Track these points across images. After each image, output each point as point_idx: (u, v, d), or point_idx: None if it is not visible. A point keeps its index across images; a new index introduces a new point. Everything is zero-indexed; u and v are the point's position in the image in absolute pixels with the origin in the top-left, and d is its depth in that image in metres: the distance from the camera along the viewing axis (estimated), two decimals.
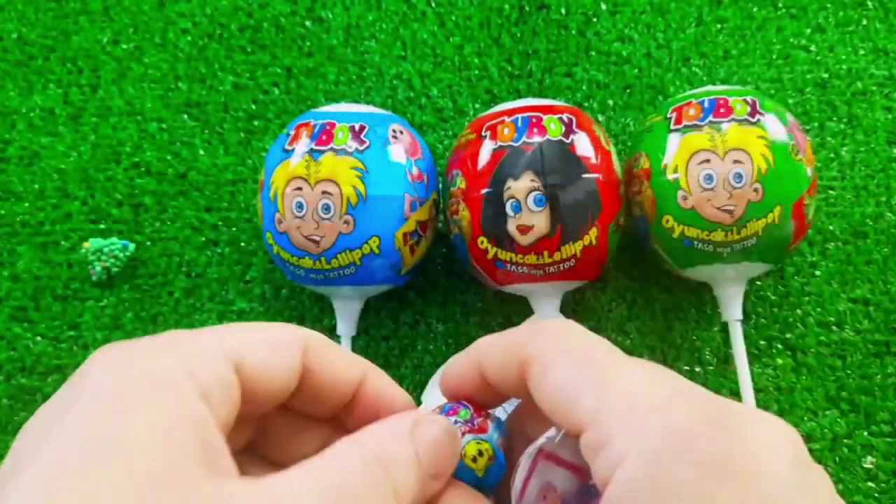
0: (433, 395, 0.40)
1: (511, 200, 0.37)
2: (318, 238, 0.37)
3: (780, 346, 0.44)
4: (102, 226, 0.47)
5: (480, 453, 0.25)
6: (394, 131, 0.39)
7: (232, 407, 0.18)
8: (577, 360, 0.20)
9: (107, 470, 0.15)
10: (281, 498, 0.17)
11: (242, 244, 0.46)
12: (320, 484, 0.18)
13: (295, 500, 0.17)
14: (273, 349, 0.20)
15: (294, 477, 0.18)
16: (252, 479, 0.17)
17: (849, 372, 0.43)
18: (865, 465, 0.41)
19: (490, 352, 0.22)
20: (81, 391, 0.16)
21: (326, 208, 0.36)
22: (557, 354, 0.20)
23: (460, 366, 0.23)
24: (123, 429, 0.16)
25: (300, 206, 0.36)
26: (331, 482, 0.18)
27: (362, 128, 0.38)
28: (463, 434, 0.23)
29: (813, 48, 0.49)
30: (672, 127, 0.38)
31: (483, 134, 0.38)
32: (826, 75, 0.49)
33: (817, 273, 0.45)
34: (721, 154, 0.36)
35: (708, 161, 0.37)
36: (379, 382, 0.23)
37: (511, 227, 0.37)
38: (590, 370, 0.20)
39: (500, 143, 0.37)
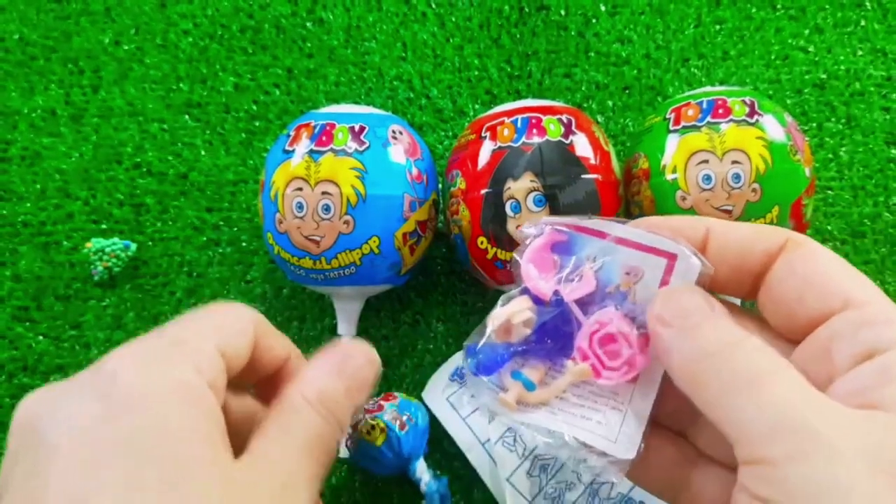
0: (434, 394, 0.41)
1: (511, 201, 0.37)
2: (318, 238, 0.37)
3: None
4: (104, 226, 0.47)
5: (373, 427, 0.34)
6: (393, 132, 0.39)
7: (223, 388, 0.22)
8: (842, 259, 0.21)
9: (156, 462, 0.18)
10: (271, 468, 0.20)
11: (243, 244, 0.47)
12: (292, 442, 0.22)
13: (280, 466, 0.20)
14: (240, 330, 0.24)
15: (268, 444, 0.21)
16: (242, 458, 0.21)
17: None
18: None
19: (728, 226, 0.22)
20: (117, 395, 0.19)
21: (326, 208, 0.36)
22: (825, 249, 0.21)
23: (686, 220, 0.23)
24: (163, 427, 0.19)
25: (300, 206, 0.37)
26: (300, 437, 0.22)
27: (362, 128, 0.38)
28: (362, 416, 0.28)
29: (811, 49, 0.49)
30: (671, 127, 0.38)
31: (483, 134, 0.38)
32: (824, 76, 0.49)
33: None
34: (719, 154, 0.37)
35: (706, 161, 0.37)
36: (298, 362, 0.27)
37: (511, 227, 0.37)
38: (856, 269, 0.20)
39: (499, 144, 0.38)
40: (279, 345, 0.26)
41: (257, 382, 0.27)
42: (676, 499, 0.23)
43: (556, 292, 0.23)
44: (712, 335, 0.20)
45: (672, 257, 0.22)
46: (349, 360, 0.25)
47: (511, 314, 0.23)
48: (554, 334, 0.23)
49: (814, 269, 0.20)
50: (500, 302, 0.24)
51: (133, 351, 0.20)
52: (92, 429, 0.18)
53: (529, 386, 0.22)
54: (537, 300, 0.23)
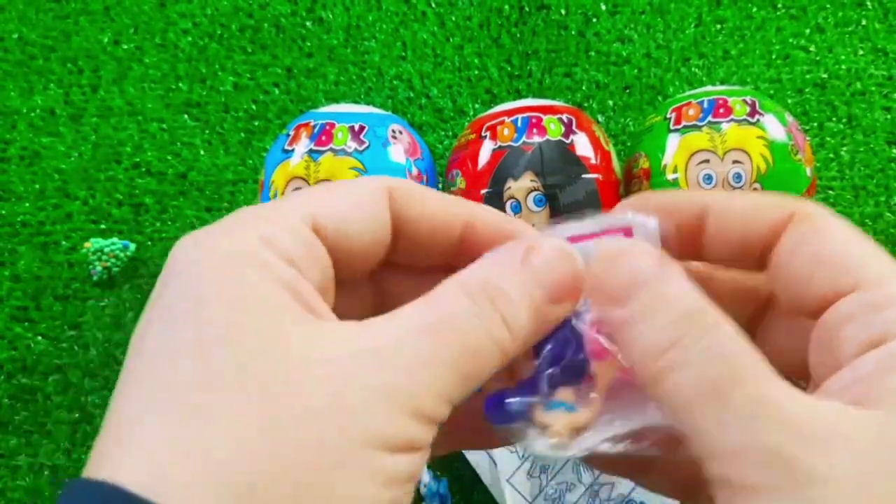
0: None
1: (511, 200, 0.37)
2: None
3: None
4: (103, 226, 0.47)
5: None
6: (393, 132, 0.39)
7: (320, 267, 0.18)
8: (856, 232, 0.18)
9: (195, 335, 0.15)
10: (377, 336, 0.16)
11: None
12: (418, 322, 0.16)
13: (389, 339, 0.16)
14: (353, 202, 0.19)
15: (393, 317, 0.17)
16: (351, 322, 0.16)
17: None
18: None
19: (728, 200, 0.20)
20: (168, 280, 0.16)
21: None
22: (836, 218, 0.19)
23: (680, 195, 0.21)
24: (208, 299, 0.15)
25: None
26: (429, 319, 0.16)
27: (362, 128, 0.38)
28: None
29: (812, 48, 0.49)
30: (672, 127, 0.38)
31: (483, 134, 0.38)
32: (825, 75, 0.49)
33: None
34: (720, 154, 0.37)
35: (707, 161, 0.37)
36: (489, 219, 0.20)
37: None
38: (871, 244, 0.18)
39: (500, 144, 0.37)
40: (438, 208, 0.20)
41: (456, 257, 0.21)
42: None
43: None
44: (675, 318, 0.17)
45: (627, 230, 0.21)
46: (533, 252, 0.18)
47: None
48: (558, 358, 0.21)
49: (823, 245, 0.18)
50: None
51: (198, 231, 0.17)
52: (145, 310, 0.16)
53: (571, 408, 0.20)
54: None
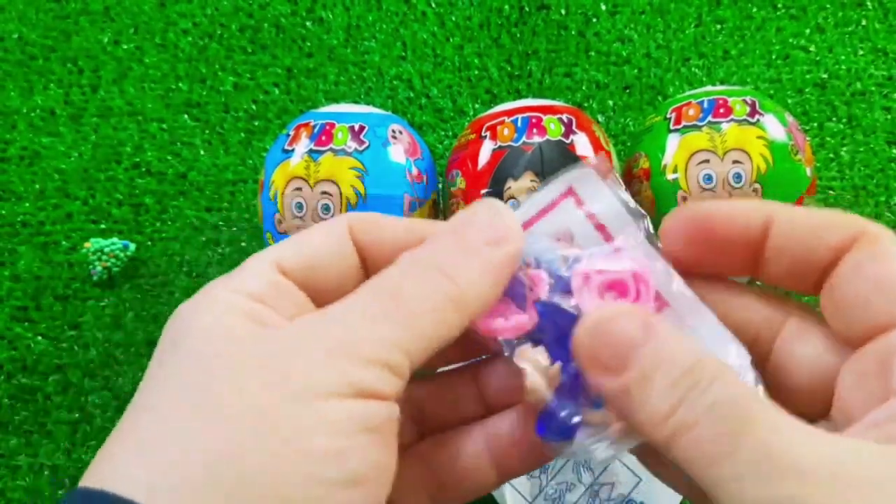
0: None
1: (511, 200, 0.37)
2: None
3: None
4: (103, 226, 0.47)
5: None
6: (393, 132, 0.39)
7: (291, 300, 0.19)
8: None
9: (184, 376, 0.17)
10: (320, 312, 0.18)
11: (243, 244, 0.46)
12: (355, 293, 0.18)
13: (328, 309, 0.18)
14: (314, 241, 0.20)
15: (344, 297, 0.18)
16: (306, 316, 0.18)
17: None
18: None
19: (793, 214, 0.19)
20: (162, 336, 0.19)
21: (326, 208, 0.36)
22: None
23: (744, 206, 0.20)
24: (189, 339, 0.18)
25: (300, 206, 0.37)
26: (363, 288, 0.18)
27: (362, 128, 0.38)
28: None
29: (812, 48, 0.49)
30: (671, 127, 0.38)
31: (483, 134, 0.38)
32: (825, 75, 0.49)
33: None
34: (720, 154, 0.36)
35: (707, 161, 0.37)
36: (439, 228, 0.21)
37: None
38: None
39: (500, 144, 0.37)
40: (397, 231, 0.21)
41: None
42: None
43: (540, 304, 0.20)
44: (674, 379, 0.16)
45: (570, 192, 0.20)
46: (469, 215, 0.19)
47: (541, 373, 0.19)
48: (565, 344, 0.20)
49: (887, 269, 0.17)
50: (524, 371, 0.19)
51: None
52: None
53: (598, 404, 0.19)
54: (533, 339, 0.20)
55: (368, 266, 0.21)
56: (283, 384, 0.16)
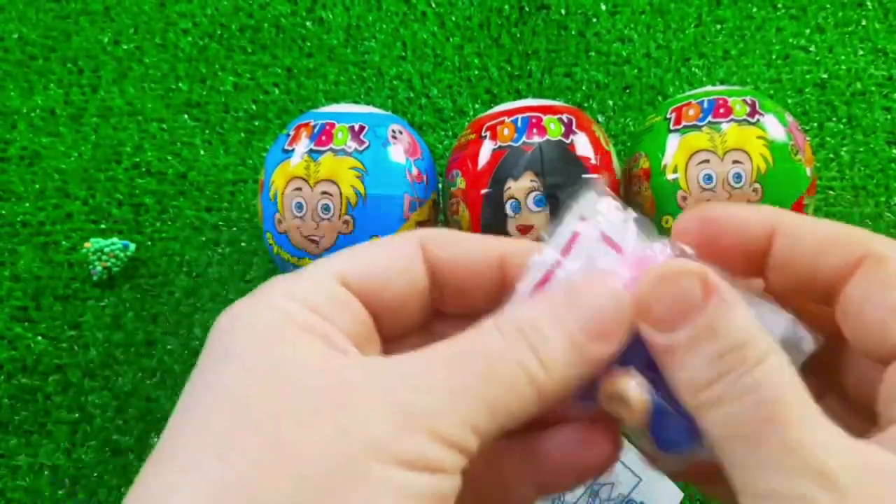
0: None
1: (511, 200, 0.37)
2: (317, 238, 0.37)
3: None
4: (103, 225, 0.47)
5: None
6: (393, 132, 0.39)
7: (352, 317, 0.18)
8: None
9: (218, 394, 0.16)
10: (399, 362, 0.16)
11: (243, 244, 0.46)
12: (444, 352, 0.16)
13: (411, 365, 0.16)
14: (382, 256, 0.19)
15: (422, 350, 0.17)
16: (379, 357, 0.17)
17: None
18: None
19: (798, 228, 0.18)
20: (208, 343, 0.17)
21: (326, 208, 0.36)
22: None
23: (752, 212, 0.19)
24: (235, 350, 0.16)
25: (300, 206, 0.37)
26: (456, 349, 0.16)
27: (362, 128, 0.38)
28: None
29: (812, 48, 0.49)
30: (671, 127, 0.38)
31: (483, 134, 0.38)
32: (825, 75, 0.49)
33: None
34: (720, 154, 0.36)
35: (707, 161, 0.37)
36: (518, 251, 0.20)
37: (511, 227, 0.37)
38: None
39: (499, 144, 0.37)
40: (473, 250, 0.19)
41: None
42: None
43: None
44: (720, 351, 0.16)
45: (574, 238, 0.19)
46: (576, 294, 0.18)
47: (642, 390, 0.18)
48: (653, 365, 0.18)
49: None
50: (629, 386, 0.18)
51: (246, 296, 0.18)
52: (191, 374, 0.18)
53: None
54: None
55: (441, 286, 0.20)
56: (352, 439, 0.15)
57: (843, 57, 0.49)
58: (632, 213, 0.20)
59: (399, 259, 0.19)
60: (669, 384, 0.17)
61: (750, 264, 0.19)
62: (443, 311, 0.21)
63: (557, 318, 0.17)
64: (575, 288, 0.18)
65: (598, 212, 0.19)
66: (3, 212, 0.47)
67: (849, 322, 0.18)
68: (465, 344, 0.17)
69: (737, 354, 0.16)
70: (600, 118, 0.48)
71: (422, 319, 0.20)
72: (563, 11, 0.51)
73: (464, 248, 0.19)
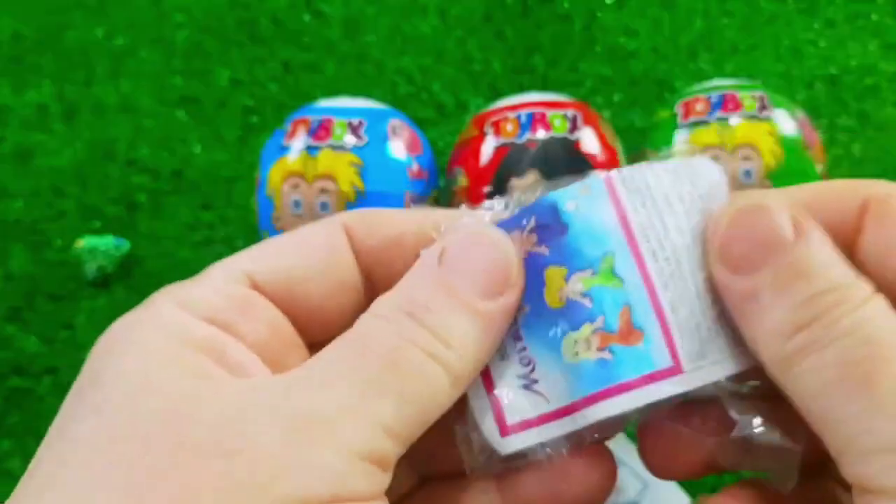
0: None
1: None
2: None
3: None
4: (97, 224, 0.46)
5: None
6: (393, 127, 0.38)
7: (261, 323, 0.16)
8: None
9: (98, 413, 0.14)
10: (277, 387, 0.14)
11: (239, 243, 0.46)
12: (330, 355, 0.14)
13: (294, 386, 0.14)
14: (298, 249, 0.16)
15: (309, 360, 0.14)
16: (260, 377, 0.15)
17: None
18: None
19: (892, 197, 0.15)
20: (84, 368, 0.15)
21: (324, 206, 0.36)
22: None
23: (831, 189, 0.16)
24: (96, 368, 0.15)
25: (297, 203, 0.36)
26: (336, 355, 0.14)
27: (361, 123, 0.37)
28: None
29: (822, 43, 0.49)
30: (680, 122, 0.38)
31: (486, 130, 0.38)
32: (836, 71, 0.48)
33: None
34: (729, 150, 0.36)
35: (716, 157, 0.36)
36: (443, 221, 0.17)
37: None
38: None
39: (503, 140, 0.37)
40: (409, 226, 0.17)
41: None
42: None
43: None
44: (816, 291, 0.13)
45: (551, 210, 0.17)
46: (454, 257, 0.15)
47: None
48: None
49: None
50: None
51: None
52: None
53: None
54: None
55: (376, 275, 0.17)
56: (239, 482, 0.13)
57: (853, 52, 0.49)
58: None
59: (318, 251, 0.16)
60: (748, 339, 0.15)
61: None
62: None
63: (443, 287, 0.15)
64: (451, 252, 0.15)
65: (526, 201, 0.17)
66: None
67: (871, 269, 0.15)
68: (359, 333, 0.15)
69: (835, 294, 0.14)
70: (606, 113, 0.48)
71: (356, 316, 0.17)
72: (566, 4, 0.50)
73: (393, 226, 0.17)
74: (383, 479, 0.14)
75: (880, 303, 0.14)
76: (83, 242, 0.44)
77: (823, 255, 0.14)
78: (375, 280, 0.17)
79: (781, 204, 0.15)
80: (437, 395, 0.14)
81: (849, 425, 0.13)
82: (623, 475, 0.37)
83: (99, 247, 0.44)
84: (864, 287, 0.14)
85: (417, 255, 0.16)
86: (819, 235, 0.14)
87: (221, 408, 0.13)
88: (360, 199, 0.36)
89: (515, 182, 0.36)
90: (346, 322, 0.16)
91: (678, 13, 0.50)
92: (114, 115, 0.49)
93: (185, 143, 0.48)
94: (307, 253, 0.16)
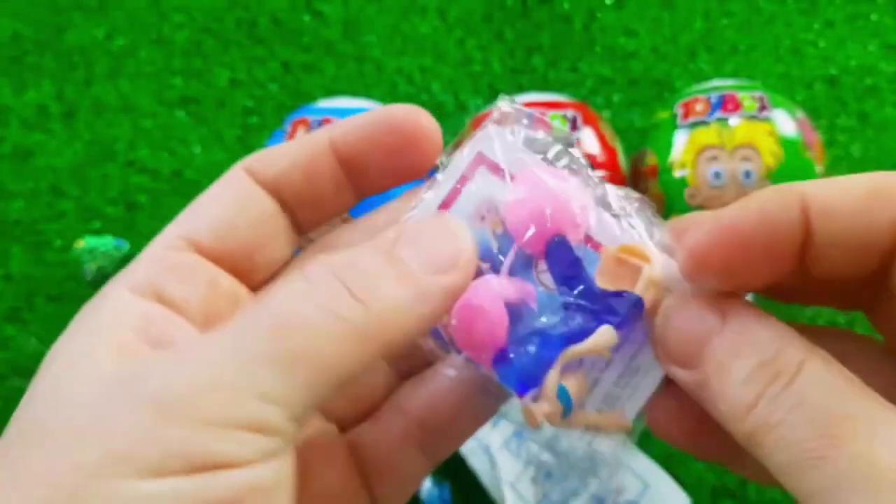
0: None
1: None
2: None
3: None
4: (97, 224, 0.46)
5: None
6: None
7: (204, 285, 0.16)
8: None
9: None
10: (166, 358, 0.14)
11: None
12: (231, 325, 0.14)
13: (184, 355, 0.14)
14: (221, 205, 0.17)
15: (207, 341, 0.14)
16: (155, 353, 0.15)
17: None
18: None
19: (830, 194, 0.14)
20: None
21: None
22: None
23: (769, 194, 0.15)
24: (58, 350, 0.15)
25: None
26: (241, 317, 0.14)
27: None
28: None
29: (822, 43, 0.49)
30: (679, 123, 0.38)
31: None
32: (835, 71, 0.48)
33: None
34: (729, 150, 0.36)
35: (716, 158, 0.36)
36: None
37: None
38: None
39: None
40: (285, 153, 0.18)
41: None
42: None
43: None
44: (751, 369, 0.14)
45: (479, 158, 0.18)
46: (413, 234, 0.16)
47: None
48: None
49: None
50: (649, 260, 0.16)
51: None
52: None
53: (568, 409, 0.16)
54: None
55: (286, 203, 0.18)
56: (81, 463, 0.13)
57: (853, 52, 0.48)
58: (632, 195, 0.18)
59: (230, 197, 0.17)
60: (716, 418, 0.15)
61: (788, 262, 0.15)
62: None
63: (387, 255, 0.15)
64: (407, 231, 0.16)
65: (489, 135, 0.18)
66: None
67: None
68: (259, 304, 0.14)
69: (770, 368, 0.14)
70: (605, 114, 0.48)
71: (293, 249, 0.18)
72: (566, 5, 0.50)
73: (285, 157, 0.18)
74: (267, 443, 0.13)
75: (814, 366, 0.14)
76: (83, 243, 0.44)
77: (750, 329, 0.15)
78: (292, 207, 0.18)
79: (698, 300, 0.15)
80: (338, 355, 0.14)
81: (814, 500, 0.13)
82: (623, 476, 0.37)
83: (99, 247, 0.44)
84: (795, 351, 0.14)
85: (319, 174, 0.18)
86: (742, 309, 0.15)
87: (83, 393, 0.14)
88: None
89: None
90: (287, 257, 0.18)
91: (678, 13, 0.50)
92: (113, 116, 0.49)
93: (185, 143, 0.48)
94: (224, 203, 0.17)
